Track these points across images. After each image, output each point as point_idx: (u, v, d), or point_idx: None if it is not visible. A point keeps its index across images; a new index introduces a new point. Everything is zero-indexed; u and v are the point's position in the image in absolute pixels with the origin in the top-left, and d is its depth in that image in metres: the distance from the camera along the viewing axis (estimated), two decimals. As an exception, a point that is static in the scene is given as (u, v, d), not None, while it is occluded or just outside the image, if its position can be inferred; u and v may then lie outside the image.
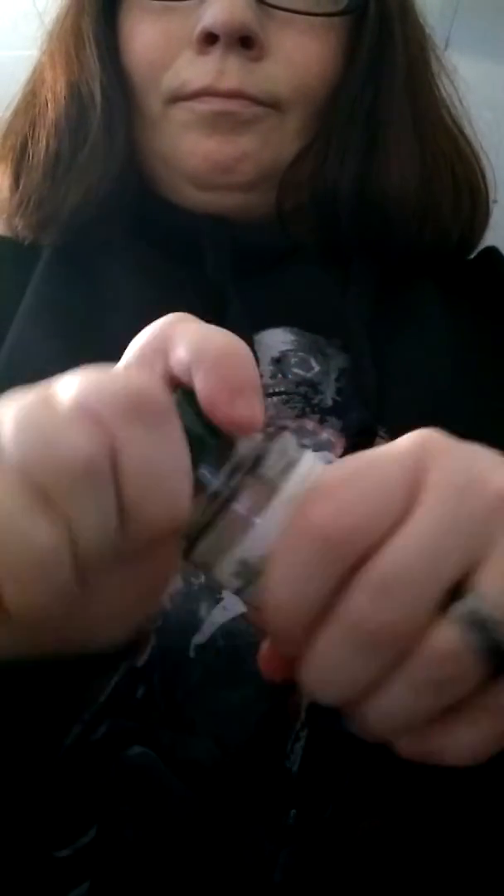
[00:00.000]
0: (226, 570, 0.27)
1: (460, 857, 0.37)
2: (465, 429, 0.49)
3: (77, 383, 0.27)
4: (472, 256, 0.64)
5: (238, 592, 0.27)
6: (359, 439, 0.47)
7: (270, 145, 0.56)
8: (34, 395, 0.27)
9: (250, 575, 0.26)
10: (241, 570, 0.26)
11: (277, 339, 0.53)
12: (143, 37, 0.56)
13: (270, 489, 0.26)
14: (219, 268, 0.55)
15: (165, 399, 0.26)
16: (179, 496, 0.25)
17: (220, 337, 0.29)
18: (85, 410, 0.25)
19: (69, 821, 0.37)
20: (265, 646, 0.28)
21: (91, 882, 0.37)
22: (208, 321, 0.51)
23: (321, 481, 0.26)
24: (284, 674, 0.27)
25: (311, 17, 0.55)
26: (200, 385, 0.28)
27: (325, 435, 0.48)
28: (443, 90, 0.62)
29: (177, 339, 0.30)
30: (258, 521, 0.26)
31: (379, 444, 0.47)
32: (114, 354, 0.51)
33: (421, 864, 0.37)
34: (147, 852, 0.37)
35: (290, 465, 0.27)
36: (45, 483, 0.24)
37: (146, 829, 0.37)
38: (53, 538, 0.24)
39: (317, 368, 0.52)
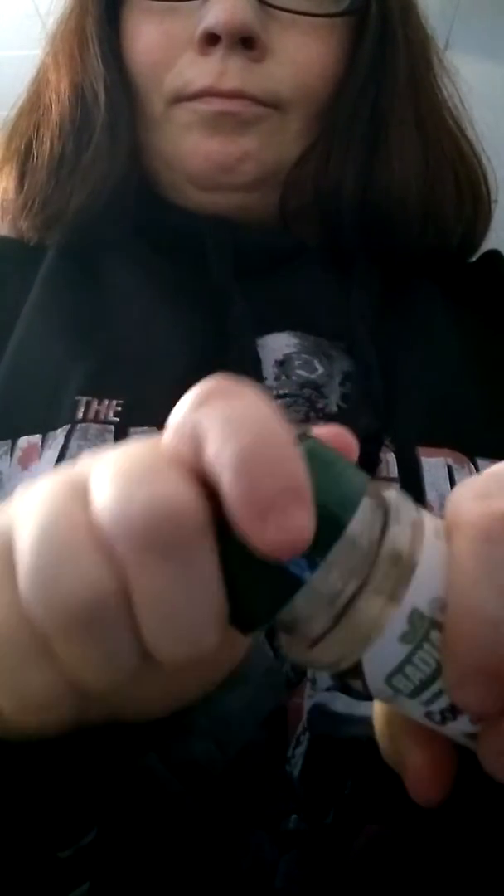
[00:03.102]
0: (396, 628, 0.22)
1: (462, 864, 0.37)
2: (472, 435, 0.49)
3: (101, 489, 0.23)
4: (475, 259, 0.64)
5: (408, 659, 0.23)
6: (364, 447, 0.46)
7: (272, 145, 0.56)
8: (59, 496, 0.24)
9: (423, 628, 0.23)
10: (413, 625, 0.22)
11: (281, 343, 0.53)
12: (146, 37, 0.56)
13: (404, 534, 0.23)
14: (221, 270, 0.55)
15: (194, 518, 0.22)
16: (203, 636, 0.22)
17: (246, 428, 0.22)
18: (97, 541, 0.22)
19: (71, 822, 0.37)
20: (419, 763, 0.25)
21: (91, 883, 0.37)
22: (211, 324, 0.52)
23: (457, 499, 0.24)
24: (444, 790, 0.25)
25: (313, 18, 0.55)
26: (225, 503, 0.22)
27: None
28: (444, 91, 0.62)
29: (205, 426, 0.23)
30: (421, 561, 0.23)
31: (384, 452, 0.47)
32: (117, 356, 0.51)
33: (423, 872, 0.37)
34: (147, 855, 0.37)
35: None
36: (46, 629, 0.22)
37: (147, 832, 0.37)
38: (49, 687, 0.23)
39: (321, 370, 0.52)
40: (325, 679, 0.40)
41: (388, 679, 0.23)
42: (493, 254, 0.64)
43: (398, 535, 0.23)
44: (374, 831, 0.37)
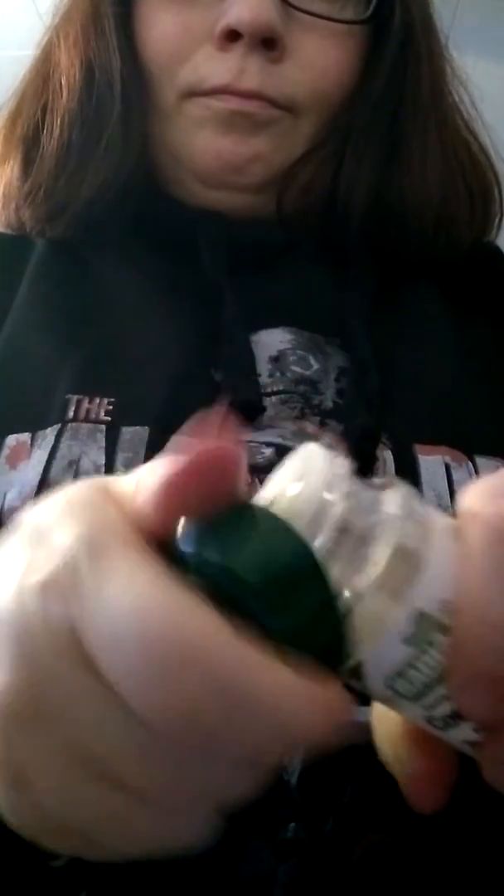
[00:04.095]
0: (399, 628, 0.22)
1: (462, 873, 0.36)
2: (469, 432, 0.49)
3: (75, 603, 0.20)
4: (473, 253, 0.63)
5: (412, 662, 0.22)
6: (361, 444, 0.46)
7: (283, 148, 0.55)
8: (25, 604, 0.21)
9: (429, 630, 0.22)
10: (418, 627, 0.22)
11: (275, 339, 0.52)
12: (162, 27, 0.55)
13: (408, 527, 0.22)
14: (215, 265, 0.54)
15: (178, 634, 0.19)
16: None
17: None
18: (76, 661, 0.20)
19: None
20: (419, 768, 0.25)
21: (87, 892, 0.36)
22: (204, 320, 0.51)
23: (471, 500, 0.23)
24: (443, 798, 0.24)
25: (333, 23, 0.55)
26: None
27: (326, 439, 0.48)
28: (456, 97, 0.62)
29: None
30: (429, 560, 0.22)
31: (381, 450, 0.46)
32: (109, 353, 0.51)
33: (423, 880, 0.36)
34: (144, 864, 0.37)
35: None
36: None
37: None
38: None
39: (316, 366, 0.51)
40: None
41: (390, 681, 0.23)
42: (492, 248, 0.64)
43: (406, 533, 0.22)
44: (374, 839, 0.37)
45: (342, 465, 0.23)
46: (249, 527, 0.22)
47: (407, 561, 0.22)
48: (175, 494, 0.21)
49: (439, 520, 0.23)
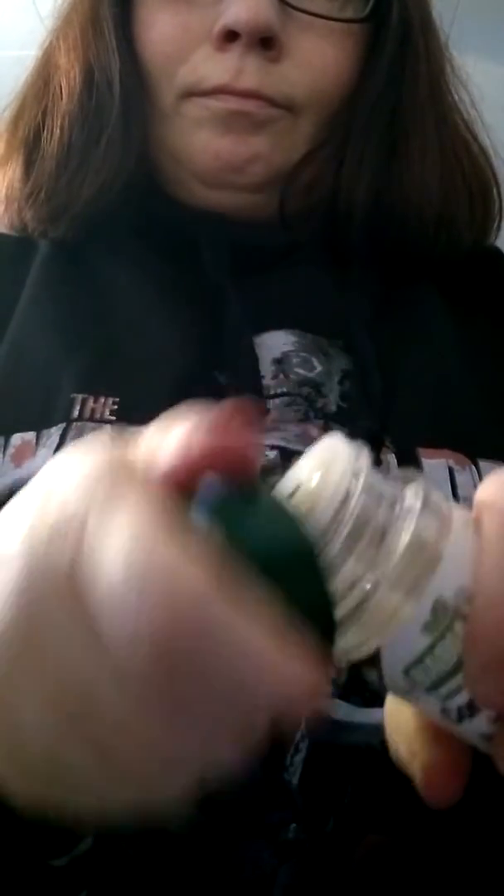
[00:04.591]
0: (418, 618, 0.22)
1: (464, 874, 0.36)
2: (473, 435, 0.49)
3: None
4: (475, 256, 0.64)
5: (429, 650, 0.22)
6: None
7: (282, 148, 0.55)
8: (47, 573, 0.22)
9: (447, 619, 0.22)
10: (436, 617, 0.22)
11: (279, 341, 0.52)
12: (161, 27, 0.55)
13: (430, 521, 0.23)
14: (217, 267, 0.54)
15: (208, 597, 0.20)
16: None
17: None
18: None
19: (66, 829, 0.36)
20: (433, 761, 0.25)
21: (87, 892, 0.36)
22: (207, 321, 0.51)
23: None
24: (457, 792, 0.24)
25: (332, 22, 0.55)
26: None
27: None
28: (456, 97, 0.62)
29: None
30: (447, 550, 0.22)
31: (385, 453, 0.46)
32: (113, 353, 0.51)
33: (424, 881, 0.36)
34: (144, 864, 0.37)
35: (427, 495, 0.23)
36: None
37: (144, 840, 0.37)
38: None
39: (319, 368, 0.51)
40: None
41: (407, 670, 0.23)
42: (493, 251, 0.64)
43: (424, 525, 0.22)
44: (375, 840, 0.37)
45: (364, 457, 0.24)
46: (260, 509, 0.22)
47: (425, 552, 0.22)
48: (202, 457, 0.22)
49: (457, 512, 0.23)
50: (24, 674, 0.22)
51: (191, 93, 0.55)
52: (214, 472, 0.22)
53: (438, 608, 0.22)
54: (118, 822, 0.23)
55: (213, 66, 0.53)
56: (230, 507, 0.22)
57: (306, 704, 0.20)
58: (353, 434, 0.48)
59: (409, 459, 0.47)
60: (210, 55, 0.54)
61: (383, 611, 0.22)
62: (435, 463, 0.47)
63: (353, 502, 0.22)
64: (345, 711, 0.38)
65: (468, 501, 0.45)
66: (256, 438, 0.22)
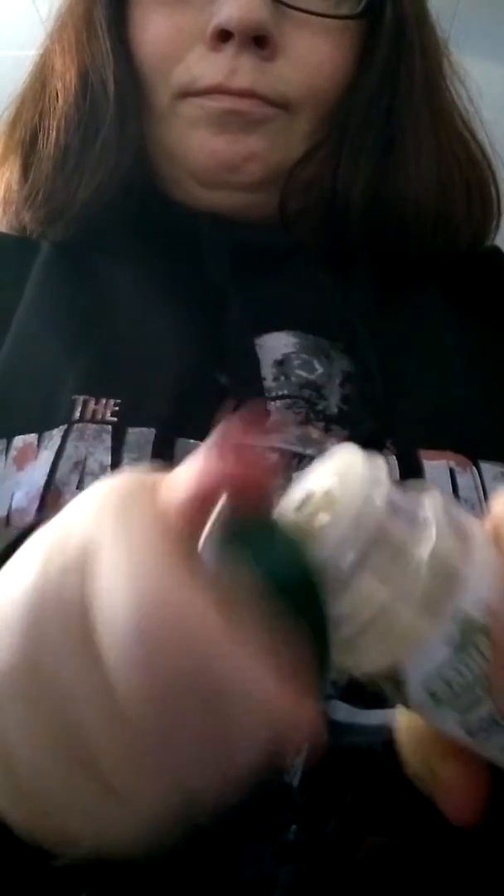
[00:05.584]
0: (441, 633, 0.22)
1: (465, 876, 0.36)
2: (474, 437, 0.49)
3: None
4: (475, 256, 0.63)
5: (452, 664, 0.22)
6: (366, 450, 0.46)
7: (279, 146, 0.55)
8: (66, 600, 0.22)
9: (470, 633, 0.22)
10: (458, 632, 0.22)
11: (280, 342, 0.52)
12: (155, 28, 0.55)
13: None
14: (218, 268, 0.54)
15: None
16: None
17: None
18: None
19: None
20: (453, 776, 0.24)
21: (88, 892, 0.36)
22: (208, 323, 0.51)
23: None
24: (480, 809, 0.24)
25: (326, 20, 0.55)
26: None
27: (330, 445, 0.48)
28: (454, 94, 0.62)
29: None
30: (466, 567, 0.22)
31: (386, 455, 0.46)
32: (115, 355, 0.51)
33: (425, 884, 0.36)
34: (145, 864, 0.37)
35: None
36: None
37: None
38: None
39: (320, 370, 0.51)
40: (324, 687, 0.39)
41: (429, 687, 0.23)
42: (494, 251, 0.64)
43: (443, 541, 0.22)
44: (376, 843, 0.37)
45: (381, 468, 0.24)
46: (268, 536, 0.22)
47: (445, 567, 0.22)
48: (207, 500, 0.22)
49: (475, 525, 0.23)
50: (23, 701, 0.22)
51: (186, 93, 0.55)
52: (226, 499, 0.22)
53: (460, 623, 0.22)
54: (106, 846, 0.23)
55: (208, 66, 0.54)
56: (239, 536, 0.22)
57: (302, 740, 0.21)
58: (354, 437, 0.48)
59: (410, 461, 0.46)
60: (204, 55, 0.54)
61: (402, 626, 0.22)
62: (436, 464, 0.47)
63: (371, 514, 0.22)
64: (345, 713, 0.38)
65: (469, 503, 0.45)
66: (267, 462, 0.23)
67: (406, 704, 0.24)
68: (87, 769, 0.21)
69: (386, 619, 0.22)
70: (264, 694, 0.20)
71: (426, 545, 0.22)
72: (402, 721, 0.26)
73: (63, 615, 0.21)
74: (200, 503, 0.22)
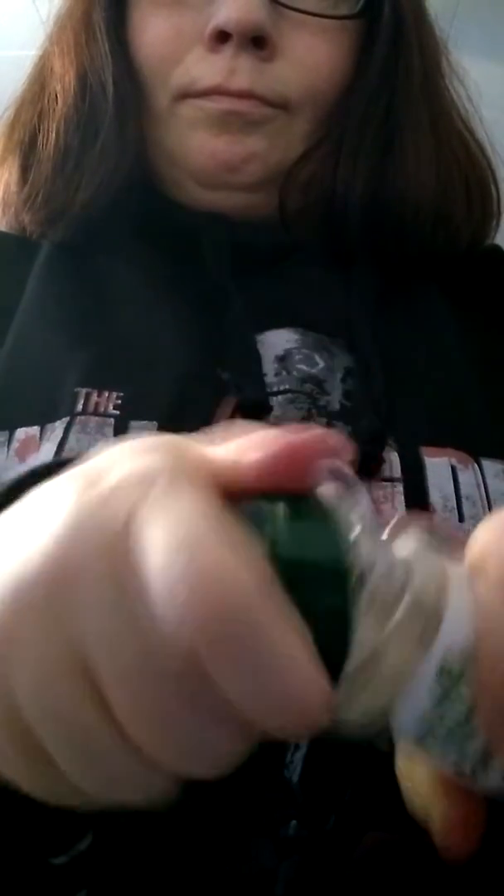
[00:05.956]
0: (425, 678, 0.22)
1: (464, 873, 0.36)
2: (475, 434, 0.49)
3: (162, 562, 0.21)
4: (476, 255, 0.64)
5: (440, 706, 0.22)
6: (367, 447, 0.46)
7: (278, 146, 0.56)
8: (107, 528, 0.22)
9: (454, 675, 0.22)
10: (444, 672, 0.22)
11: (281, 338, 0.52)
12: (154, 30, 0.56)
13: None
14: (219, 267, 0.54)
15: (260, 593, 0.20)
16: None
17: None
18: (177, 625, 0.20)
19: (65, 827, 0.36)
20: (448, 815, 0.24)
21: (87, 890, 0.36)
22: (210, 320, 0.51)
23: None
24: (474, 845, 0.24)
25: (324, 20, 0.55)
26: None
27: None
28: (453, 93, 0.62)
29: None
30: (447, 607, 0.22)
31: (387, 452, 0.46)
32: (118, 348, 0.51)
33: (425, 880, 0.36)
34: (145, 861, 0.37)
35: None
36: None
37: (144, 837, 0.37)
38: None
39: (322, 364, 0.51)
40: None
41: (420, 728, 0.23)
42: (494, 250, 0.64)
43: (421, 584, 0.22)
44: (376, 838, 0.37)
45: (365, 506, 0.23)
46: (311, 524, 0.22)
47: (425, 613, 0.22)
48: (273, 471, 0.23)
49: (453, 565, 0.23)
50: (40, 614, 0.21)
51: (185, 94, 0.55)
52: (277, 482, 0.23)
53: (444, 665, 0.22)
54: (116, 798, 0.23)
55: (206, 67, 0.54)
56: (283, 518, 0.22)
57: (310, 721, 0.20)
58: (355, 433, 0.48)
59: (411, 458, 0.47)
60: (203, 56, 0.54)
61: (393, 671, 0.22)
62: (438, 461, 0.47)
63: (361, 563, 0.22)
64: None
65: (471, 500, 0.45)
66: (327, 459, 0.23)
67: (396, 747, 0.25)
68: (96, 706, 0.21)
69: (371, 666, 0.22)
70: (296, 663, 0.20)
71: (408, 590, 0.22)
72: (400, 759, 0.26)
73: (101, 537, 0.21)
74: (254, 477, 0.23)
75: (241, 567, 0.20)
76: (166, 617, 0.20)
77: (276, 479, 0.23)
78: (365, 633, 0.22)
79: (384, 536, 0.24)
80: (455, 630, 0.22)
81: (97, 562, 0.21)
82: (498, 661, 0.22)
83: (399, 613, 0.22)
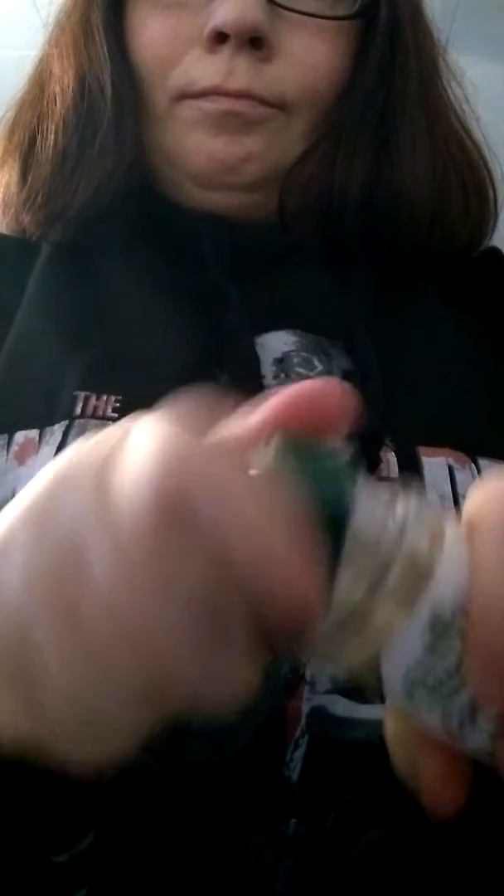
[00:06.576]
0: (415, 630, 0.22)
1: (464, 871, 0.37)
2: (473, 434, 0.49)
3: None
4: (475, 257, 0.64)
5: (428, 660, 0.23)
6: (365, 447, 0.46)
7: (276, 146, 0.56)
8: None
9: (444, 628, 0.23)
10: (434, 627, 0.23)
11: (280, 341, 0.52)
12: (152, 32, 0.56)
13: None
14: (218, 268, 0.54)
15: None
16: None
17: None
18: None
19: (67, 826, 0.36)
20: (435, 774, 0.25)
21: (89, 888, 0.36)
22: (209, 322, 0.52)
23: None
24: (459, 803, 0.24)
25: (322, 20, 0.55)
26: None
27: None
28: (450, 93, 0.62)
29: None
30: (441, 562, 0.23)
31: (385, 451, 0.47)
32: (116, 351, 0.51)
33: (424, 878, 0.36)
34: (146, 859, 0.37)
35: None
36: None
37: (145, 836, 0.37)
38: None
39: (320, 368, 0.51)
40: (323, 682, 0.40)
41: (407, 683, 0.23)
42: (493, 252, 0.64)
43: (416, 536, 0.23)
44: (375, 836, 0.37)
45: (357, 469, 0.24)
46: (318, 461, 0.23)
47: (418, 566, 0.23)
48: (275, 417, 0.24)
49: (449, 522, 0.24)
50: (31, 532, 0.23)
51: (183, 95, 0.55)
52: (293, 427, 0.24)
53: (435, 619, 0.23)
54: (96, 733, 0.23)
55: (204, 68, 0.54)
56: (290, 449, 0.23)
57: (296, 610, 0.21)
58: (353, 433, 0.49)
59: (409, 458, 0.47)
60: (201, 57, 0.54)
61: (382, 622, 0.22)
62: (435, 461, 0.47)
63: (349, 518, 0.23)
64: (345, 707, 0.38)
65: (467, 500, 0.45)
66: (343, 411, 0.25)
67: (386, 700, 0.25)
68: (75, 619, 0.21)
69: (362, 616, 0.22)
70: (270, 538, 0.21)
71: (400, 545, 0.23)
72: (389, 720, 0.26)
73: (89, 464, 0.23)
74: (284, 410, 0.24)
75: (206, 447, 0.22)
76: (130, 494, 0.21)
77: (278, 422, 0.24)
78: (357, 582, 0.22)
79: (380, 492, 0.24)
80: (448, 582, 0.23)
81: (84, 481, 0.23)
82: (489, 613, 0.22)
83: (393, 565, 0.22)
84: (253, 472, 0.22)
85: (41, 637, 0.22)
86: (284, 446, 0.23)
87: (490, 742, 0.24)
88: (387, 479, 0.46)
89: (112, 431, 0.25)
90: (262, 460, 0.23)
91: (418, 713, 0.24)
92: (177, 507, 0.20)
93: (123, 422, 0.25)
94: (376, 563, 0.22)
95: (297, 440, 0.23)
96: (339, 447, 0.24)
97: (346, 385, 0.25)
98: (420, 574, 0.23)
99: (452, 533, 0.24)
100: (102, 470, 0.23)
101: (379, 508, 0.23)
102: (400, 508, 0.23)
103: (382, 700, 0.26)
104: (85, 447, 0.25)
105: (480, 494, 0.24)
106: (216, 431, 0.24)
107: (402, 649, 0.23)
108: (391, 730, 0.26)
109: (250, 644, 0.21)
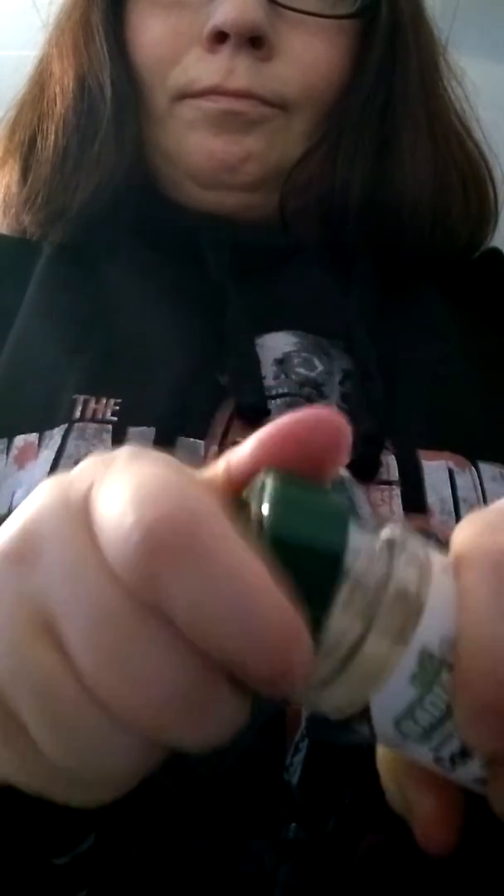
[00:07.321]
0: (405, 670, 0.22)
1: (463, 875, 0.36)
2: (473, 438, 0.49)
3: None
4: (475, 258, 0.64)
5: (418, 701, 0.22)
6: (365, 450, 0.46)
7: (276, 146, 0.56)
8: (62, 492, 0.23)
9: (434, 668, 0.22)
10: (422, 667, 0.22)
11: (280, 342, 0.52)
12: (152, 31, 0.56)
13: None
14: (219, 269, 0.54)
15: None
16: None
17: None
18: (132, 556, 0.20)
19: (68, 828, 0.36)
20: (428, 809, 0.24)
21: (89, 890, 0.36)
22: (209, 323, 0.52)
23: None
24: (453, 839, 0.24)
25: (322, 19, 0.55)
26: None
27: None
28: (451, 93, 0.62)
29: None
30: (429, 599, 0.22)
31: (385, 455, 0.47)
32: (115, 355, 0.51)
33: (424, 882, 0.36)
34: (146, 862, 0.37)
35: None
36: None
37: (145, 838, 0.37)
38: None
39: (320, 368, 0.51)
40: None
41: (397, 723, 0.23)
42: (493, 253, 0.64)
43: (404, 573, 0.22)
44: (375, 841, 0.37)
45: (347, 509, 0.23)
46: (312, 502, 0.23)
47: (407, 603, 0.22)
48: (266, 451, 0.23)
49: (436, 558, 0.23)
50: (12, 566, 0.22)
51: (183, 95, 0.55)
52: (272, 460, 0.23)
53: (425, 658, 0.22)
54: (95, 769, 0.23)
55: (205, 68, 0.54)
56: (281, 491, 0.22)
57: (280, 664, 0.20)
58: (353, 435, 0.48)
59: (409, 461, 0.47)
60: (201, 57, 0.54)
61: (371, 664, 0.22)
62: (435, 465, 0.47)
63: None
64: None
65: (468, 503, 0.45)
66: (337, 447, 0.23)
67: (377, 741, 0.24)
68: (60, 659, 0.21)
69: (355, 656, 0.22)
70: (257, 586, 0.20)
71: (389, 583, 0.22)
72: (381, 754, 0.26)
73: (65, 508, 0.22)
74: (272, 441, 0.23)
75: (190, 496, 0.21)
76: (117, 550, 0.20)
77: (270, 456, 0.23)
78: (346, 620, 0.22)
79: (370, 525, 0.23)
80: (437, 620, 0.22)
81: (60, 528, 0.22)
82: (479, 652, 0.22)
83: (381, 602, 0.22)
84: (238, 525, 0.21)
85: (23, 713, 0.22)
86: (275, 485, 0.22)
87: (482, 777, 0.23)
88: (387, 482, 0.46)
89: (87, 469, 0.23)
90: (253, 499, 0.22)
91: (409, 754, 0.24)
92: (152, 592, 0.20)
93: (96, 460, 0.24)
94: (368, 600, 0.22)
95: (289, 478, 0.22)
96: (332, 482, 0.24)
97: (341, 416, 0.23)
98: (410, 611, 0.22)
99: (440, 567, 0.23)
100: (78, 526, 0.22)
101: (369, 545, 0.22)
102: (388, 542, 0.23)
103: None
104: (55, 484, 0.23)
105: (467, 529, 0.24)
106: (208, 468, 0.24)
107: (391, 685, 0.22)
108: (381, 762, 0.26)
109: (236, 694, 0.21)
